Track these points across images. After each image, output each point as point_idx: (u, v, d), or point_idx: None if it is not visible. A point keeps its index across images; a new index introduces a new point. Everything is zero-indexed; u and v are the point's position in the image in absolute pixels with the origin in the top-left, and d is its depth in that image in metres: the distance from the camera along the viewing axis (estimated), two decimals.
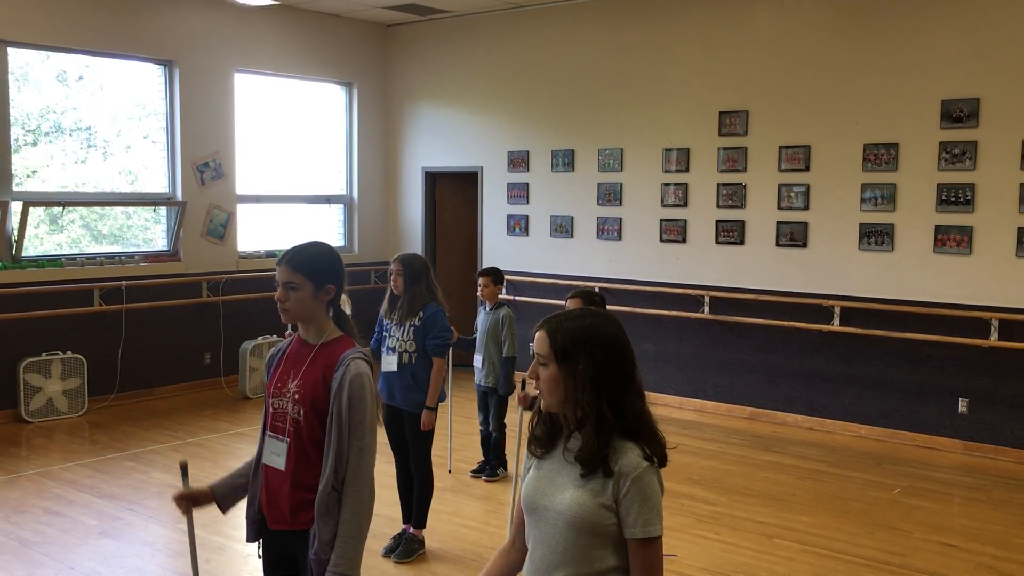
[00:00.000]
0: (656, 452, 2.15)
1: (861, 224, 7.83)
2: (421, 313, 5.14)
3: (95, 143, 8.78)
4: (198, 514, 3.03)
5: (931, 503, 6.28)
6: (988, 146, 7.24)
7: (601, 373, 2.13)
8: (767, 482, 6.67)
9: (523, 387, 5.69)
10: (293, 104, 10.33)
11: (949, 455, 7.41)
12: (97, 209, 8.96)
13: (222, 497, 2.98)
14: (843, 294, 7.96)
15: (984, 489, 6.60)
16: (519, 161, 9.94)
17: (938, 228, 7.49)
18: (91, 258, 8.62)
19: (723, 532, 5.65)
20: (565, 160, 9.58)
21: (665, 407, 8.77)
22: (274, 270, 2.86)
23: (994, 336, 7.25)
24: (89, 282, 8.42)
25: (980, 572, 5.10)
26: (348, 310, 3.03)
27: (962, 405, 7.48)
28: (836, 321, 7.96)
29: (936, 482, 6.74)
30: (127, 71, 8.86)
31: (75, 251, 8.69)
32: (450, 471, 6.75)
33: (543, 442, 2.26)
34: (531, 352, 2.26)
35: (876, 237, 7.77)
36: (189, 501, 2.95)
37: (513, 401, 6.42)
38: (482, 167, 10.26)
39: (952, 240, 7.43)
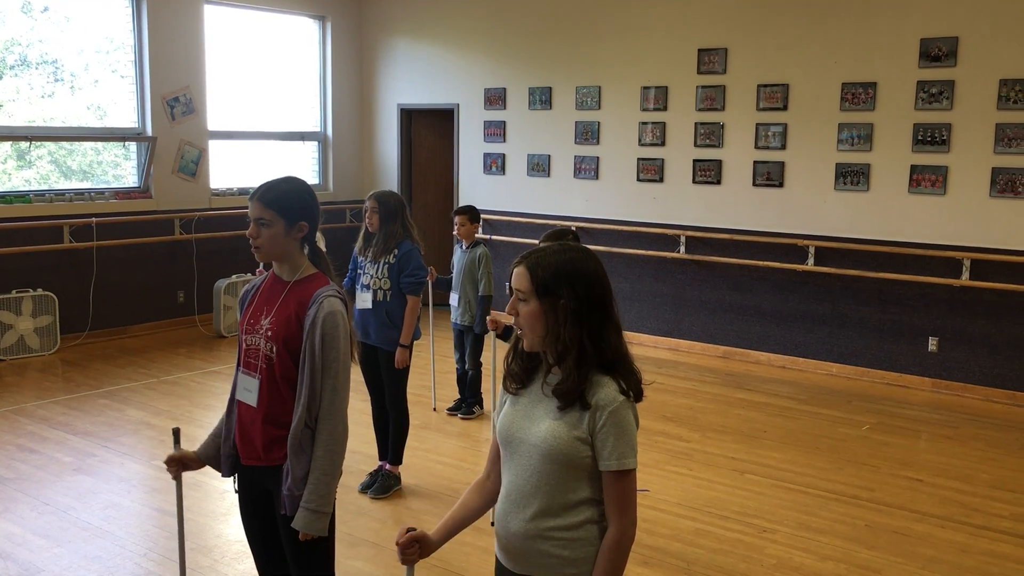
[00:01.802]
0: (632, 387, 2.17)
1: (837, 164, 7.83)
2: (396, 251, 5.10)
3: (62, 77, 8.57)
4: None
5: (899, 439, 6.39)
6: (965, 85, 7.23)
7: (583, 307, 2.13)
8: (740, 419, 6.76)
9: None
10: (265, 38, 10.12)
11: (918, 392, 7.53)
12: (66, 144, 8.79)
13: (209, 460, 2.98)
14: (818, 234, 7.99)
15: (951, 426, 6.73)
16: (496, 98, 9.83)
17: (913, 168, 7.50)
18: (60, 194, 8.48)
19: (696, 468, 5.73)
20: (542, 98, 9.48)
21: (640, 346, 8.83)
22: (247, 208, 2.81)
23: (965, 276, 7.32)
24: (58, 219, 8.29)
25: (945, 506, 5.22)
26: (322, 247, 3.00)
27: (932, 344, 7.58)
28: (811, 261, 8.01)
29: (905, 419, 6.86)
30: (93, 2, 8.62)
31: (44, 187, 8.54)
32: (435, 409, 6.80)
33: (519, 378, 2.27)
34: (507, 289, 2.24)
35: (852, 177, 7.78)
36: (180, 465, 2.96)
37: (489, 340, 6.43)
38: (458, 104, 10.14)
39: (927, 180, 7.46)
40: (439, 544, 2.32)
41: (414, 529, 2.27)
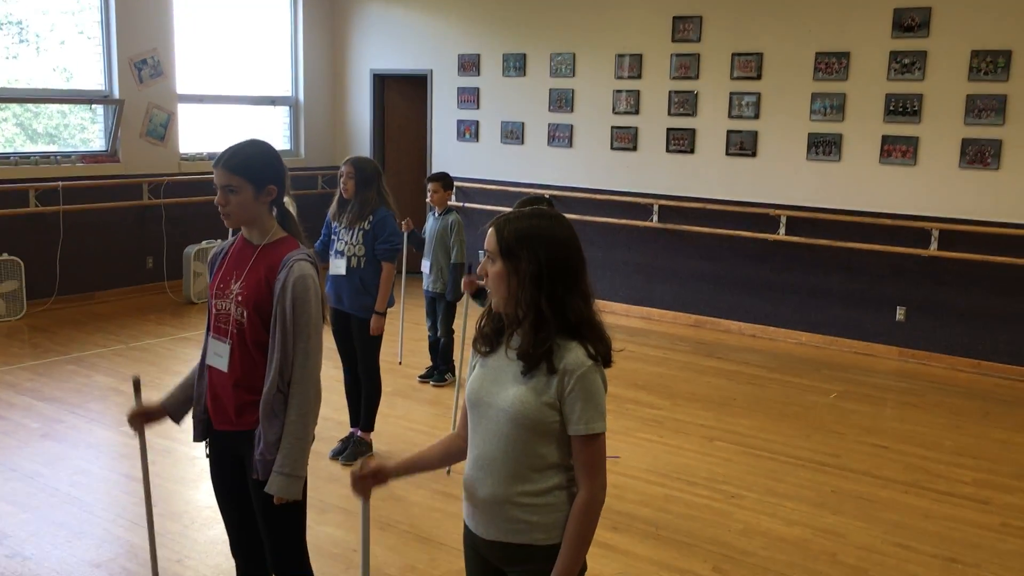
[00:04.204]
0: (600, 352, 2.17)
1: (810, 134, 7.86)
2: (371, 217, 5.06)
3: (27, 38, 8.39)
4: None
5: (866, 407, 6.48)
6: (937, 56, 7.26)
7: (543, 271, 2.14)
8: (710, 387, 6.82)
9: (470, 270, 5.69)
10: (235, 0, 9.94)
11: (885, 361, 7.63)
12: (31, 107, 8.62)
13: (174, 410, 2.95)
14: (790, 204, 8.03)
15: (917, 394, 6.83)
16: (469, 65, 9.75)
17: (885, 138, 7.54)
18: (25, 157, 8.33)
19: (666, 435, 5.79)
20: (516, 65, 9.41)
21: (613, 314, 8.87)
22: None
23: (934, 246, 7.40)
24: (24, 182, 8.15)
25: (910, 472, 5.31)
26: (292, 211, 2.96)
27: (899, 313, 7.67)
28: (782, 230, 8.05)
29: (871, 387, 6.95)
30: None
31: (9, 150, 8.38)
32: (400, 363, 6.92)
33: (489, 340, 2.28)
34: (479, 255, 2.25)
35: (824, 147, 7.81)
36: (142, 418, 2.92)
37: (461, 307, 6.42)
38: (432, 70, 10.05)
39: (898, 151, 7.50)
40: (394, 475, 2.41)
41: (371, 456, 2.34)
